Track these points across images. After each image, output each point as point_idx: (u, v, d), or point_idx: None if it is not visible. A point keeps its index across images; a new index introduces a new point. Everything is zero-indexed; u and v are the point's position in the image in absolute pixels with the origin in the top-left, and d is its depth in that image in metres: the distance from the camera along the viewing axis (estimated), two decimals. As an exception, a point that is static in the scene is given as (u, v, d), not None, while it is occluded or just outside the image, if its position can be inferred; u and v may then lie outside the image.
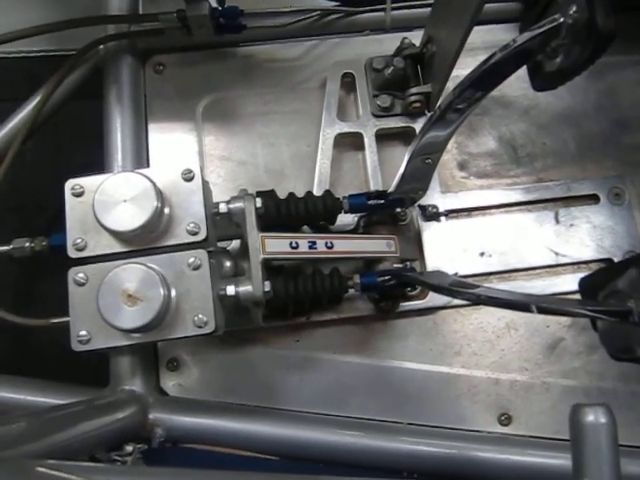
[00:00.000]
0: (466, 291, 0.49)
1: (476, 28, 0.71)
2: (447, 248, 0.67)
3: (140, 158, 0.69)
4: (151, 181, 0.50)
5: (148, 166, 0.70)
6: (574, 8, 0.41)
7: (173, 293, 0.50)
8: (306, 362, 0.65)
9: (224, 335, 0.63)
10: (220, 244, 0.62)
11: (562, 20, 0.42)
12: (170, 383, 0.65)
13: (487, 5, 0.73)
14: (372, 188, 0.66)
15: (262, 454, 0.61)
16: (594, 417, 0.40)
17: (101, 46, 0.71)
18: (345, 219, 0.64)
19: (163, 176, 0.52)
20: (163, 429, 0.61)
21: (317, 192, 0.64)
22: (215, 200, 0.57)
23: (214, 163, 0.71)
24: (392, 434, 0.62)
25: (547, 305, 0.43)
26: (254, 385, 0.65)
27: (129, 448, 0.52)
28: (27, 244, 0.59)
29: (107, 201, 0.50)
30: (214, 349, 0.66)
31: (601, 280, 0.41)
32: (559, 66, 0.45)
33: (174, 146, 0.71)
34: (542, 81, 0.47)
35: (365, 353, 0.66)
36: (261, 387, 0.65)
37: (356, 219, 0.64)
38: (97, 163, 0.70)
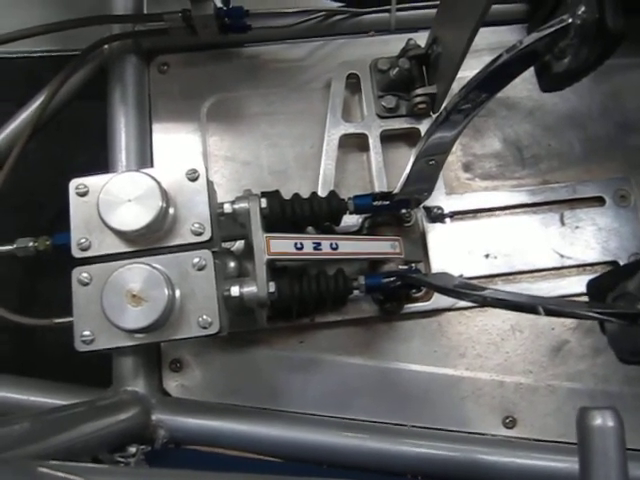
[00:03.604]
0: (472, 293, 0.49)
1: (481, 29, 0.71)
2: (452, 250, 0.66)
3: (144, 158, 0.69)
4: (156, 181, 0.50)
5: (152, 166, 0.69)
6: (583, 8, 0.41)
7: (177, 293, 0.50)
8: (310, 364, 0.65)
9: (228, 336, 0.62)
10: (224, 245, 0.62)
11: (571, 21, 0.42)
12: (173, 384, 0.65)
13: (493, 6, 0.73)
14: (377, 189, 0.66)
15: (266, 456, 0.61)
16: (602, 420, 0.39)
17: (105, 46, 0.71)
18: (349, 220, 0.64)
19: (168, 176, 0.52)
20: (166, 430, 0.60)
21: (322, 193, 0.64)
22: (219, 200, 0.57)
23: (218, 163, 0.70)
24: (396, 436, 0.62)
25: (555, 307, 0.42)
26: (257, 386, 0.65)
27: (132, 449, 0.52)
28: (30, 244, 0.59)
29: (112, 201, 0.49)
30: (217, 350, 0.66)
31: (610, 282, 0.41)
32: (567, 67, 0.44)
33: (178, 146, 0.71)
34: (550, 82, 0.46)
35: (369, 355, 0.65)
36: (265, 388, 0.65)
37: (360, 220, 0.64)
38: (101, 163, 0.70)
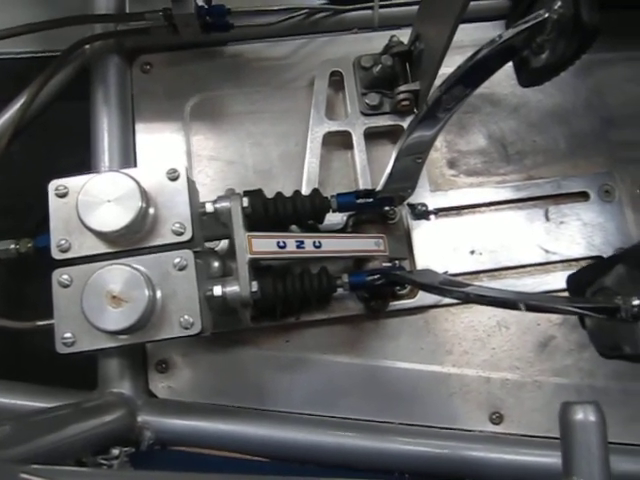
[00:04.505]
0: (455, 289, 0.49)
1: (464, 26, 0.71)
2: (437, 246, 0.66)
3: (127, 158, 0.68)
4: (135, 181, 0.49)
5: (135, 166, 0.69)
6: (559, 4, 0.41)
7: (159, 294, 0.50)
8: (296, 363, 0.65)
9: (213, 336, 0.62)
10: (208, 244, 0.62)
11: (547, 15, 0.42)
12: (159, 385, 0.64)
13: (475, 2, 0.74)
14: (361, 187, 0.65)
15: (252, 456, 0.61)
16: (583, 415, 0.39)
17: (87, 46, 0.70)
18: (334, 218, 0.63)
19: (148, 176, 0.52)
20: (152, 432, 0.60)
21: (306, 191, 0.63)
22: (202, 200, 0.57)
23: (202, 163, 0.70)
24: (383, 434, 0.62)
25: (535, 302, 0.43)
26: (244, 386, 0.65)
27: (115, 452, 0.51)
28: (12, 246, 0.59)
29: (91, 201, 0.49)
30: (204, 350, 0.65)
31: (589, 277, 0.41)
32: (545, 62, 0.44)
33: (162, 146, 0.70)
34: (528, 77, 0.46)
35: (356, 353, 0.65)
36: (251, 388, 0.64)
37: (345, 218, 0.64)
38: (87, 164, 0.69)
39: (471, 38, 0.71)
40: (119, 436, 0.58)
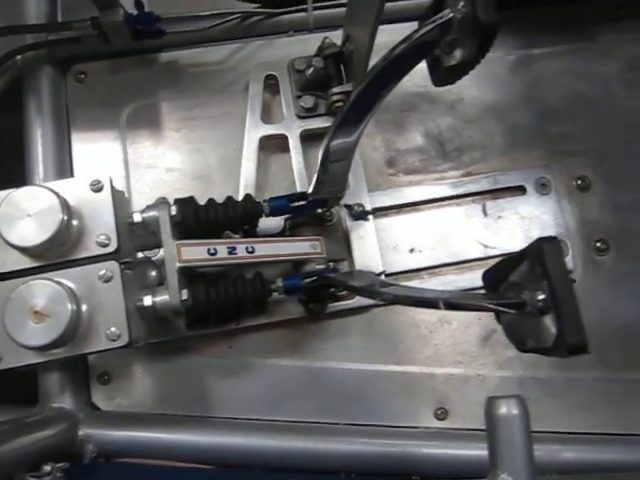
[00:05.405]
0: (382, 291, 0.49)
1: (400, 25, 0.72)
2: (376, 246, 0.66)
3: (63, 170, 0.68)
4: (55, 193, 0.49)
5: (72, 177, 0.68)
6: (462, 3, 0.41)
7: (84, 307, 0.49)
8: (240, 368, 0.65)
9: (155, 345, 0.62)
10: (147, 253, 0.61)
11: (452, 15, 0.42)
12: (102, 397, 0.64)
13: (408, 2, 0.74)
14: (299, 190, 0.65)
15: (197, 463, 0.61)
16: (507, 409, 0.41)
17: (19, 57, 0.69)
18: (272, 223, 0.63)
19: (71, 188, 0.51)
20: (94, 445, 0.60)
21: (243, 196, 0.63)
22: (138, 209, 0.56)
23: (140, 171, 0.69)
24: (328, 435, 0.62)
25: (453, 301, 0.43)
26: (188, 394, 0.64)
27: (47, 468, 0.51)
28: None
29: (10, 216, 0.48)
30: (146, 360, 0.65)
31: (502, 273, 0.42)
32: (456, 60, 0.45)
33: (98, 156, 0.69)
34: (441, 76, 0.47)
35: (299, 356, 0.65)
36: (195, 396, 0.64)
37: (283, 222, 0.64)
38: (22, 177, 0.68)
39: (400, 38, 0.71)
40: (58, 451, 0.57)
